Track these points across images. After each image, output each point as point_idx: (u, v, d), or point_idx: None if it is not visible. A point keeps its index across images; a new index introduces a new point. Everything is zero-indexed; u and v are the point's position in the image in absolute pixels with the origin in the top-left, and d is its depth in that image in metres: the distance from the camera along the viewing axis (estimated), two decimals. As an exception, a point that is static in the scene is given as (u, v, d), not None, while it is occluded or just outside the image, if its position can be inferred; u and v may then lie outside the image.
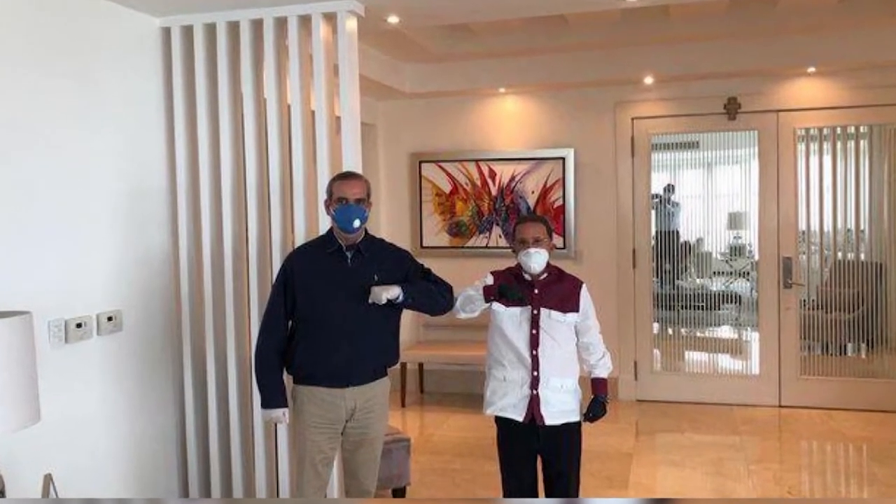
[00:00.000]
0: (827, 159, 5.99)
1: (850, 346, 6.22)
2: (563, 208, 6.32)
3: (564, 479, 3.26)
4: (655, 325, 6.45)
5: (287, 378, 3.21)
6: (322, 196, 3.41)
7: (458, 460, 4.98)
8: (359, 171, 3.51)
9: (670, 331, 6.67)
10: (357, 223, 3.05)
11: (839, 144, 5.99)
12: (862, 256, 6.08)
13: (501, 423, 3.31)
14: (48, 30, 3.17)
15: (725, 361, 6.59)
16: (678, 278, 6.55)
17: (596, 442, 5.05)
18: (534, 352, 3.20)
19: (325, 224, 3.45)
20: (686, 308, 6.52)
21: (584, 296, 3.31)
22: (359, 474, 3.21)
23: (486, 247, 6.50)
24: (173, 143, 3.82)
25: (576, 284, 3.33)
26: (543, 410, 3.20)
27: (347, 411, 3.10)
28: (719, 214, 6.47)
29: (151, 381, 3.73)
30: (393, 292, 3.00)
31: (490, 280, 3.29)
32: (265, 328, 3.16)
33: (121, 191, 3.55)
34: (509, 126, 6.49)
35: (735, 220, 6.51)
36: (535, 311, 3.22)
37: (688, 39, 5.59)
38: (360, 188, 3.09)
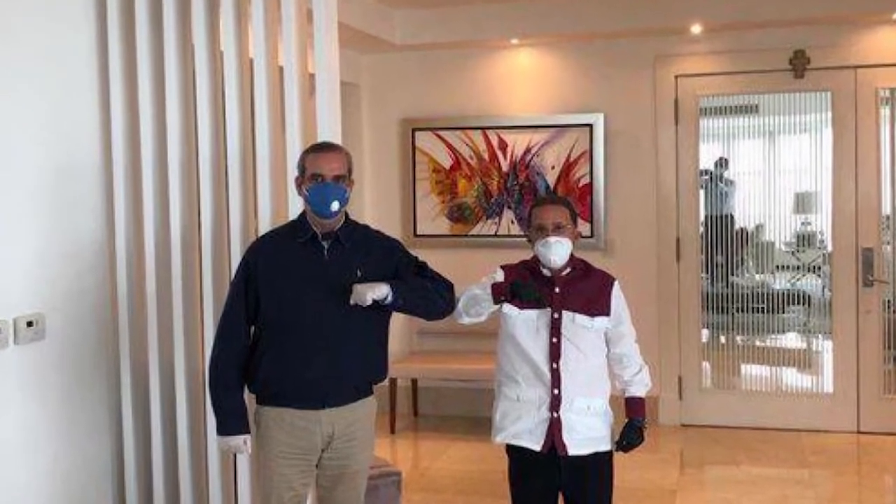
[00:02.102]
0: (917, 127, 5.99)
1: (945, 357, 6.22)
2: (590, 187, 6.32)
3: (592, 522, 3.28)
4: (705, 332, 6.45)
5: (249, 397, 3.21)
6: (292, 172, 3.40)
7: (460, 499, 4.99)
8: (338, 141, 3.50)
9: (723, 339, 6.67)
10: (336, 206, 3.05)
11: (932, 108, 5.99)
12: (960, 247, 6.08)
13: (514, 453, 3.32)
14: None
15: (791, 377, 6.59)
16: (733, 274, 6.54)
17: (631, 476, 5.06)
18: (554, 365, 3.20)
19: (296, 207, 3.44)
20: (742, 311, 6.52)
21: (617, 296, 3.32)
22: (338, 516, 3.21)
23: (496, 235, 6.49)
24: (108, 109, 3.81)
25: (606, 282, 3.33)
26: (566, 438, 3.21)
27: (324, 439, 3.10)
28: (783, 195, 6.46)
29: (81, 400, 3.73)
30: (380, 291, 3.00)
31: (500, 276, 3.29)
32: (222, 336, 3.16)
33: (42, 168, 3.54)
34: (524, 86, 6.48)
35: (803, 203, 6.50)
36: (556, 315, 3.22)
37: (745, -22, 5.58)
38: (339, 163, 3.09)
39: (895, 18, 5.81)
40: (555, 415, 3.21)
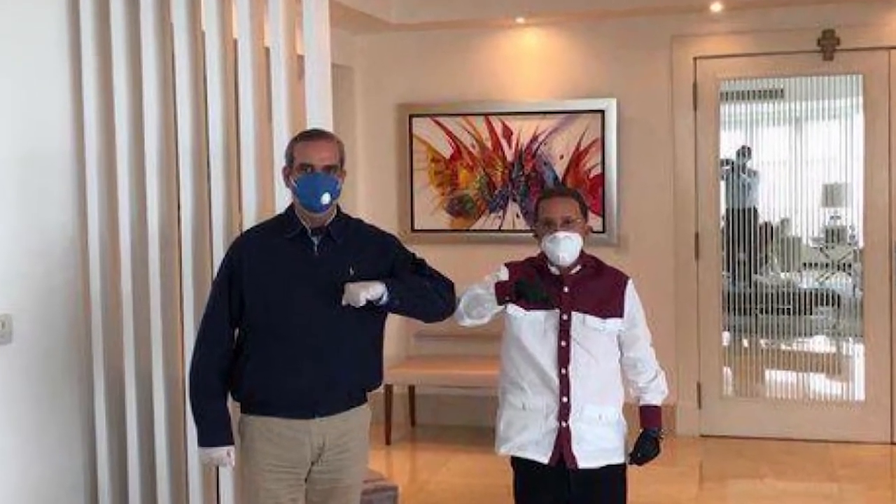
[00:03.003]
0: (956, 113, 5.98)
1: None
2: (601, 179, 6.31)
3: (604, 541, 3.28)
4: (726, 335, 6.45)
5: (233, 406, 3.22)
6: (280, 162, 3.40)
7: (461, 515, 5.01)
8: (329, 128, 3.50)
9: (745, 343, 6.67)
10: (326, 198, 3.05)
11: (972, 93, 5.98)
12: None
13: (520, 465, 3.32)
14: None
15: (819, 383, 6.59)
16: (756, 272, 6.54)
17: (646, 491, 5.06)
18: (563, 371, 3.21)
19: (283, 200, 3.44)
20: (767, 312, 6.52)
21: (630, 296, 3.32)
22: (329, 534, 3.22)
23: (500, 230, 6.49)
24: (80, 93, 3.81)
25: (619, 281, 3.33)
26: (576, 449, 3.21)
27: (314, 450, 3.11)
28: (811, 187, 6.46)
29: (52, 408, 3.73)
30: (374, 291, 3.00)
31: (504, 275, 3.29)
32: (204, 339, 3.16)
33: (9, 158, 3.54)
34: (530, 69, 6.47)
35: (832, 195, 6.51)
36: (565, 317, 3.22)
37: (770, -48, 5.58)
38: (329, 152, 3.09)
39: (932, -4, 5.81)
40: (563, 424, 3.21)
